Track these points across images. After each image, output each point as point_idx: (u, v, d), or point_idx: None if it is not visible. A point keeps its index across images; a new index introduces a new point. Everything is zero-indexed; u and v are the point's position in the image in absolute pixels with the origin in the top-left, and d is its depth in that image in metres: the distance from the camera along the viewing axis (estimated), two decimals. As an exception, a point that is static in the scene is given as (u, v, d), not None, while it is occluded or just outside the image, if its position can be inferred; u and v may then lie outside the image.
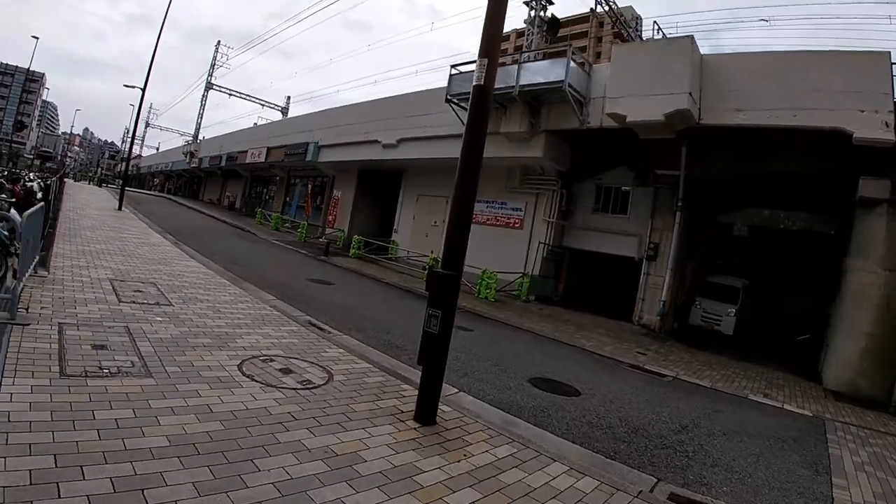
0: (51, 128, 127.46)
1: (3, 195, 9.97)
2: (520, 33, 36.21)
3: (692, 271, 14.55)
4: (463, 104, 14.39)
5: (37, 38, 44.82)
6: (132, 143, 19.73)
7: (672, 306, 13.53)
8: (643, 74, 11.43)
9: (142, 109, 19.67)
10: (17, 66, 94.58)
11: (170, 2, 18.48)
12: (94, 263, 7.91)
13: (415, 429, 3.94)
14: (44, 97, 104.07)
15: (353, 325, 7.64)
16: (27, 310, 4.87)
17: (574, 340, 10.31)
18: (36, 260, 6.26)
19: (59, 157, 61.11)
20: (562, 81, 12.58)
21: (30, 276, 6.12)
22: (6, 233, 5.93)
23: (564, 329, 11.44)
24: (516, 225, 16.49)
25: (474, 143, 4.31)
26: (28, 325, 4.29)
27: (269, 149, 27.92)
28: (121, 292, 6.43)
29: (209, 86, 44.74)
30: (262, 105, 47.23)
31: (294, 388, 4.29)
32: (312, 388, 4.40)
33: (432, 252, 16.77)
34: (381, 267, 17.58)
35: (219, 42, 46.21)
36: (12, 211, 7.10)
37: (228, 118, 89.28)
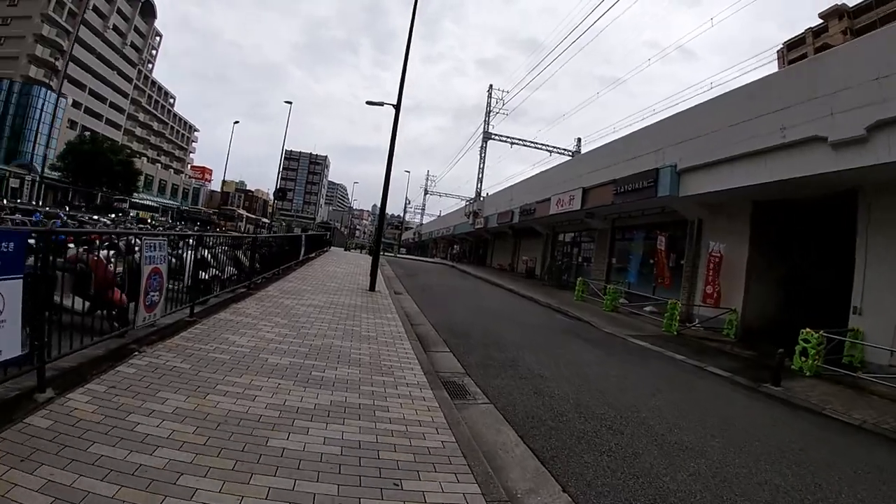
0: (340, 205, 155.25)
1: None
2: None
3: None
4: None
5: (290, 102, 42.90)
6: (384, 205, 14.34)
7: None
8: None
9: (391, 170, 12.37)
10: (300, 152, 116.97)
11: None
12: None
13: None
14: (329, 178, 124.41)
15: None
16: None
17: None
18: None
19: (337, 228, 68.42)
20: None
21: None
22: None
23: None
24: None
25: None
26: None
27: (585, 190, 17.89)
28: None
29: (487, 136, 39.61)
30: (550, 152, 39.24)
31: None
32: None
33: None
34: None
35: (491, 86, 40.27)
36: None
37: (509, 177, 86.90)
